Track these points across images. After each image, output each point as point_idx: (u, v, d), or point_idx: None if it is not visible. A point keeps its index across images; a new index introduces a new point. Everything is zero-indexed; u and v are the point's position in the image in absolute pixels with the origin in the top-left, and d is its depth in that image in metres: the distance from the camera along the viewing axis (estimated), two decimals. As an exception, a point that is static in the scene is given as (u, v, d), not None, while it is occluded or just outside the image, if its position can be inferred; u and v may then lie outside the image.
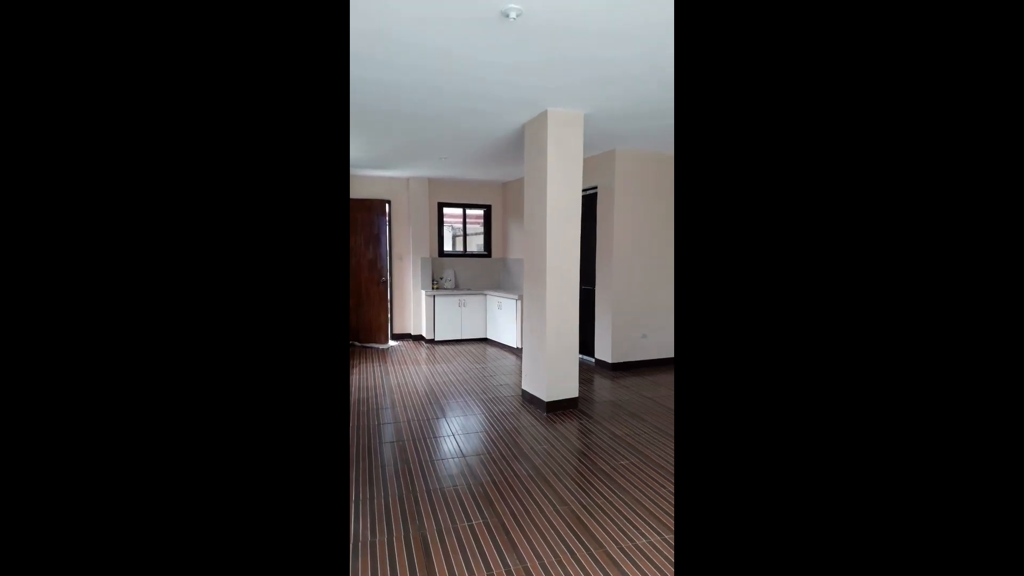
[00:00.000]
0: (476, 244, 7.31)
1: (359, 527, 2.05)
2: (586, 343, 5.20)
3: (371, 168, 5.87)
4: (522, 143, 4.27)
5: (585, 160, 5.02)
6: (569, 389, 3.67)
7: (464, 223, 7.16)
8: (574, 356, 3.67)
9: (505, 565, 1.80)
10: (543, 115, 3.44)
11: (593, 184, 5.00)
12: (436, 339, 6.37)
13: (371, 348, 6.21)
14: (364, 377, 4.71)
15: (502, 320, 6.12)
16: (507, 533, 2.01)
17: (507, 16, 2.10)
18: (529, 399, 3.81)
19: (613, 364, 4.85)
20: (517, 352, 5.75)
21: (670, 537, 1.99)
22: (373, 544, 1.93)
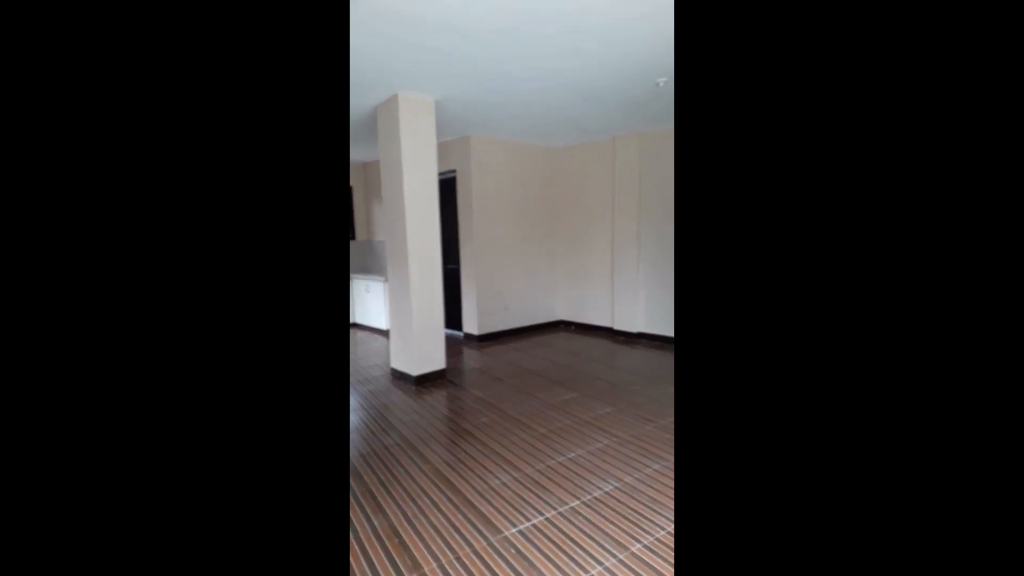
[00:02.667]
0: (338, 226, 7.05)
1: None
2: (455, 318, 5.45)
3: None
4: (376, 124, 4.26)
5: (443, 144, 5.16)
6: (436, 362, 3.87)
7: (323, 205, 6.84)
8: (440, 331, 3.88)
9: (371, 525, 1.97)
10: (394, 98, 3.49)
11: (452, 168, 5.17)
12: (300, 327, 6.09)
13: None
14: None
15: (371, 303, 6.07)
16: (374, 498, 2.17)
17: None
18: (399, 376, 3.93)
19: (480, 336, 5.17)
20: (387, 334, 5.79)
21: (518, 475, 2.33)
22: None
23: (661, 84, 3.37)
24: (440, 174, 5.21)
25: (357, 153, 6.00)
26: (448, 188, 5.24)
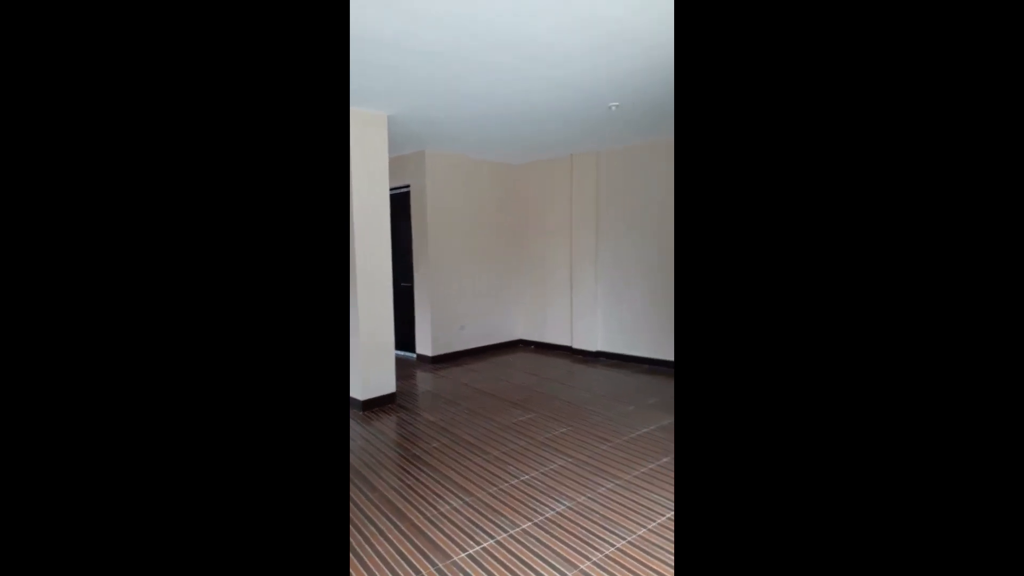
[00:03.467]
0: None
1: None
2: (407, 339, 5.31)
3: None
4: (328, 140, 4.17)
5: (396, 159, 5.11)
6: (386, 385, 3.74)
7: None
8: (390, 353, 3.76)
9: (311, 558, 1.83)
10: (346, 114, 3.44)
11: (405, 183, 5.12)
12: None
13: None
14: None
15: (320, 324, 5.83)
16: (315, 529, 2.02)
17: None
18: (347, 400, 3.77)
19: (434, 357, 5.06)
20: (338, 356, 5.56)
21: (469, 499, 2.25)
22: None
23: (614, 108, 3.49)
24: (393, 189, 5.14)
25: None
26: (402, 203, 5.17)
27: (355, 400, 3.66)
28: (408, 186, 5.11)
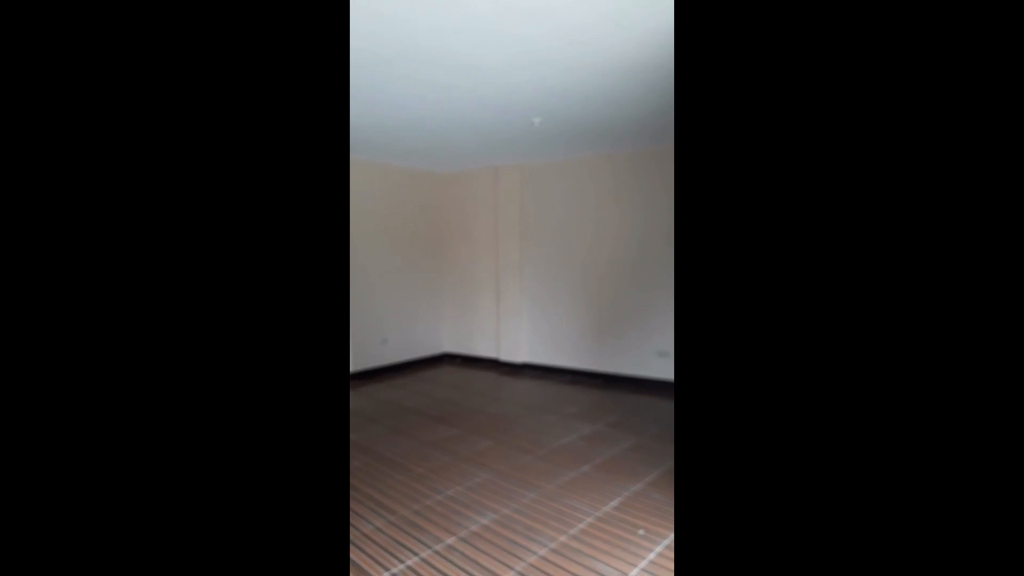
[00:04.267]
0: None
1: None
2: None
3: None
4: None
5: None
6: (304, 403, 3.56)
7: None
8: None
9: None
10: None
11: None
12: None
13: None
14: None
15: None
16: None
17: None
18: (258, 421, 3.52)
19: (354, 374, 4.88)
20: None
21: (393, 518, 2.20)
22: None
23: (537, 123, 3.64)
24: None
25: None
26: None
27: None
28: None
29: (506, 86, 2.84)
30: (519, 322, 5.25)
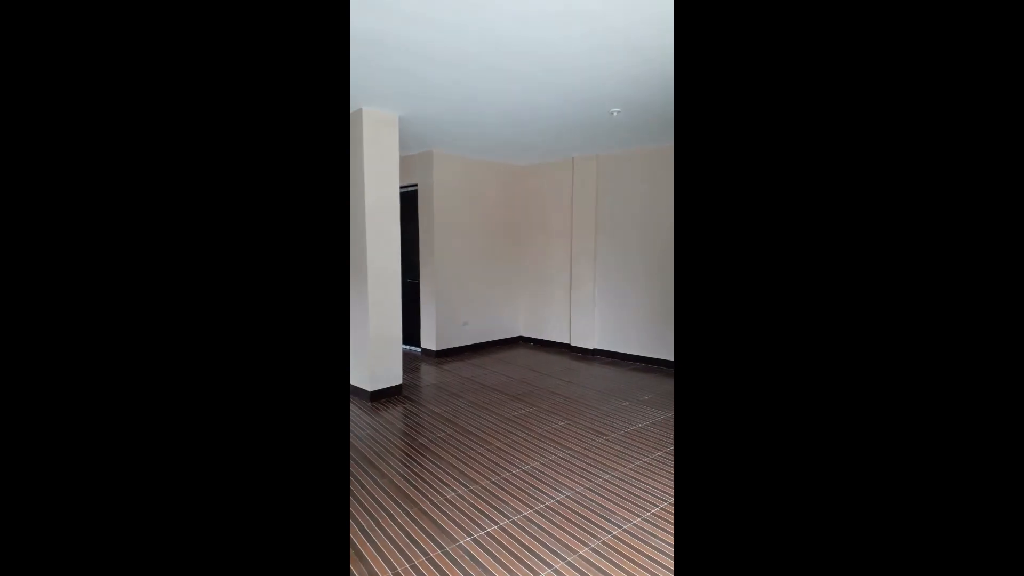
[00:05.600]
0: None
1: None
2: (413, 334, 5.44)
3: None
4: (339, 138, 4.27)
5: (405, 158, 5.22)
6: (393, 377, 3.87)
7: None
8: (397, 346, 3.89)
9: (327, 538, 1.96)
10: (358, 113, 3.54)
11: (414, 182, 5.23)
12: (250, 341, 5.89)
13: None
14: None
15: (326, 316, 5.96)
16: (329, 512, 2.16)
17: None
18: (354, 391, 3.90)
19: (438, 351, 5.19)
20: (343, 348, 5.69)
21: (473, 487, 2.38)
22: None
23: (615, 114, 3.59)
24: (402, 187, 5.25)
25: (317, 165, 5.95)
26: (410, 202, 5.29)
27: (363, 391, 3.79)
28: (416, 185, 5.22)
29: (587, 77, 2.83)
30: (591, 309, 5.25)
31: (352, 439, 3.01)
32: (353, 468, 2.60)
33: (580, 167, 5.23)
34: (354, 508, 2.20)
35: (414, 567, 1.78)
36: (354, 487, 2.39)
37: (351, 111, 3.58)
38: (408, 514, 2.14)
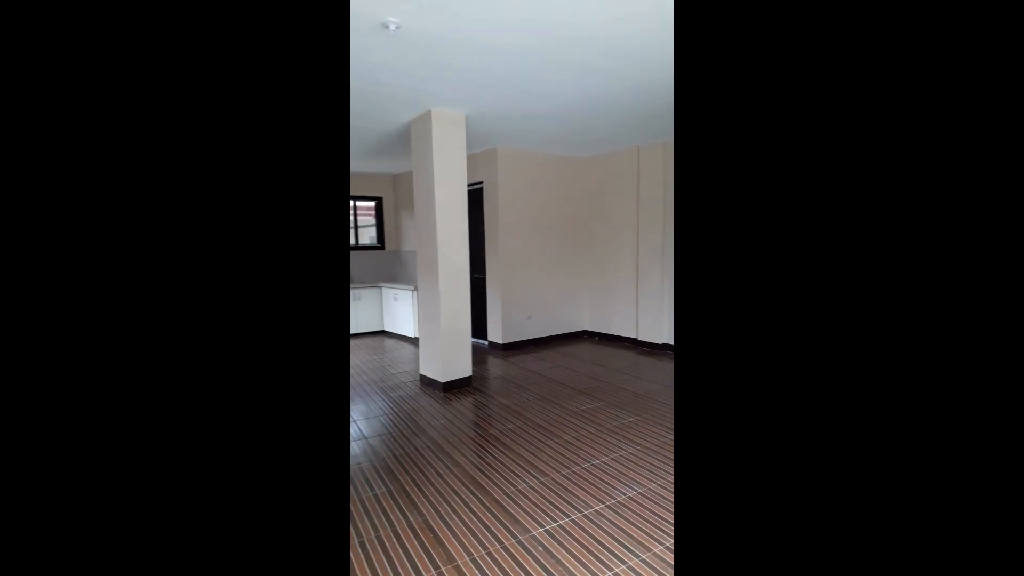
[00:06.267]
0: (368, 236, 7.28)
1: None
2: (480, 327, 5.57)
3: (249, 159, 5.59)
4: (408, 137, 4.44)
5: (470, 156, 5.33)
6: (463, 369, 3.99)
7: (355, 215, 7.09)
8: (467, 339, 4.00)
9: (407, 521, 2.08)
10: (427, 114, 3.66)
11: (479, 179, 5.32)
12: (331, 333, 6.30)
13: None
14: (255, 376, 4.59)
15: (399, 311, 6.24)
16: (408, 496, 2.28)
17: (387, 27, 2.30)
18: (427, 382, 4.06)
19: (504, 344, 5.28)
20: (415, 342, 5.94)
21: (544, 479, 2.41)
22: (281, 523, 2.08)
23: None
24: (468, 185, 5.37)
25: (388, 166, 6.22)
26: (475, 199, 5.40)
27: (436, 382, 3.94)
28: (481, 183, 5.31)
29: (648, 64, 2.74)
30: (660, 303, 5.10)
31: (426, 427, 3.14)
32: (428, 455, 2.72)
33: (646, 156, 5.07)
34: (429, 492, 2.30)
35: (489, 554, 1.84)
36: (429, 473, 2.50)
37: (420, 112, 3.70)
38: (482, 502, 2.21)
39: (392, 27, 2.29)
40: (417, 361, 4.94)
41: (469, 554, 1.84)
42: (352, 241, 7.14)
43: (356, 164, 6.07)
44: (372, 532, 2.00)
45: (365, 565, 1.79)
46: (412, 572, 1.75)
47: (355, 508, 2.19)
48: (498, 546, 1.89)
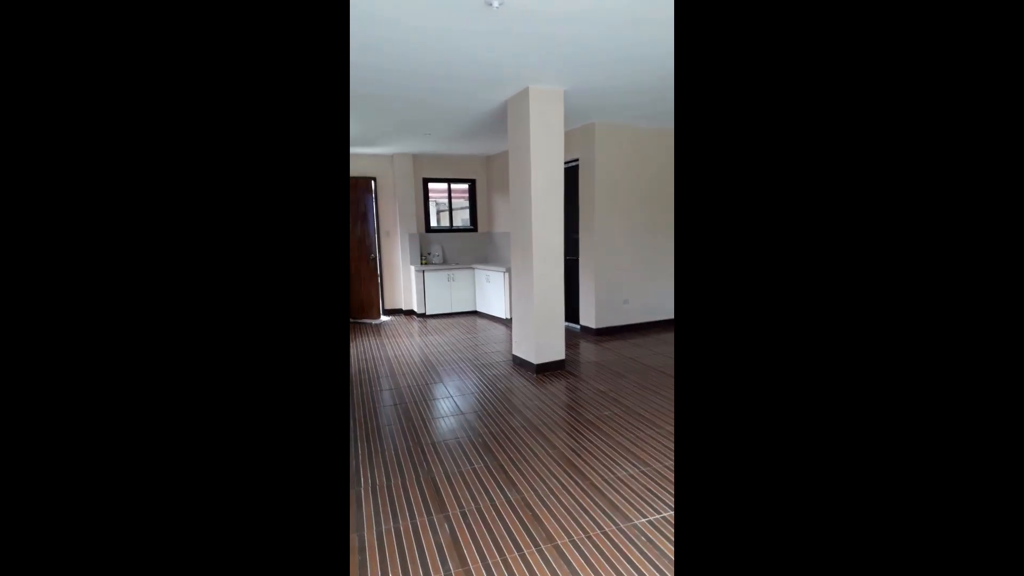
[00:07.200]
0: (461, 219, 7.47)
1: (372, 475, 2.31)
2: (572, 311, 5.48)
3: (356, 146, 5.95)
4: (505, 117, 4.42)
5: (566, 133, 5.19)
6: (556, 352, 3.95)
7: (449, 198, 7.29)
8: (560, 321, 3.94)
9: (506, 497, 2.09)
10: (524, 92, 3.60)
11: (575, 157, 5.18)
12: (427, 313, 6.59)
13: (364, 323, 6.41)
14: (361, 350, 4.93)
15: (491, 292, 6.35)
16: (506, 473, 2.29)
17: (490, 5, 2.26)
18: (519, 363, 4.08)
19: (597, 329, 5.15)
20: (506, 323, 6.01)
21: (646, 469, 2.30)
22: (388, 487, 2.19)
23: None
24: (564, 163, 5.25)
25: (481, 147, 6.29)
26: (570, 177, 5.26)
27: (529, 363, 3.94)
28: (577, 160, 5.17)
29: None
30: (776, 286, 4.63)
31: (520, 407, 3.15)
32: (523, 434, 2.72)
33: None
34: (526, 471, 2.30)
35: (589, 538, 1.78)
36: (525, 452, 2.50)
37: (518, 90, 3.65)
38: (580, 486, 2.16)
39: (496, 4, 2.25)
40: (509, 341, 4.99)
41: (568, 536, 1.80)
42: (446, 223, 7.37)
43: (451, 147, 6.20)
44: (472, 504, 2.03)
45: (468, 536, 1.83)
46: (512, 546, 1.75)
47: (455, 480, 2.24)
48: (598, 531, 1.83)
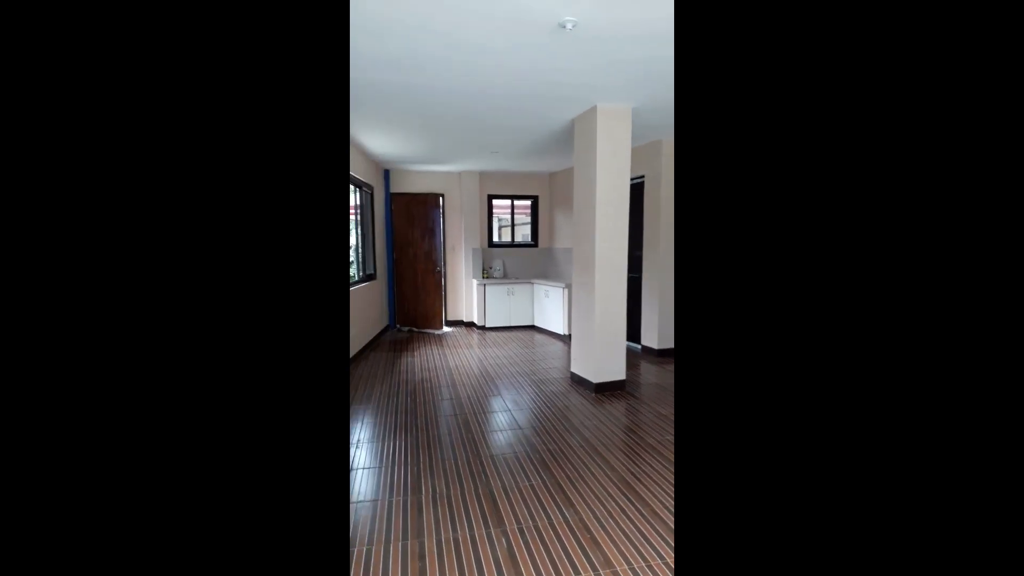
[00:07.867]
0: (523, 234, 7.56)
1: (433, 483, 2.37)
2: (633, 330, 5.36)
3: (426, 163, 6.22)
4: (570, 135, 4.46)
5: (632, 150, 5.15)
6: (617, 372, 3.88)
7: (512, 214, 7.42)
8: (622, 341, 3.87)
9: (563, 516, 2.07)
10: (592, 110, 3.62)
11: (640, 174, 5.12)
12: (486, 326, 6.70)
13: (427, 333, 6.62)
14: (423, 359, 5.09)
15: (549, 307, 6.35)
16: (563, 492, 2.28)
17: (563, 27, 2.32)
18: (578, 381, 4.04)
19: (659, 350, 5.00)
20: (564, 339, 5.98)
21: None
22: (448, 497, 2.24)
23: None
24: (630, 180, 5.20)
25: (544, 164, 6.36)
26: (635, 194, 5.20)
27: (588, 382, 3.90)
28: (643, 177, 5.10)
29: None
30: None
31: (579, 426, 3.12)
32: (581, 454, 2.69)
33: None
34: (584, 492, 2.26)
35: (650, 567, 1.73)
36: (583, 472, 2.47)
37: (585, 109, 3.68)
38: (640, 512, 2.10)
39: (569, 26, 2.30)
40: (567, 358, 4.96)
41: (628, 563, 1.76)
42: (508, 239, 7.49)
43: (516, 164, 6.33)
44: (529, 520, 2.04)
45: (525, 552, 1.83)
46: (570, 567, 1.73)
47: (513, 495, 2.26)
48: (659, 560, 1.77)
